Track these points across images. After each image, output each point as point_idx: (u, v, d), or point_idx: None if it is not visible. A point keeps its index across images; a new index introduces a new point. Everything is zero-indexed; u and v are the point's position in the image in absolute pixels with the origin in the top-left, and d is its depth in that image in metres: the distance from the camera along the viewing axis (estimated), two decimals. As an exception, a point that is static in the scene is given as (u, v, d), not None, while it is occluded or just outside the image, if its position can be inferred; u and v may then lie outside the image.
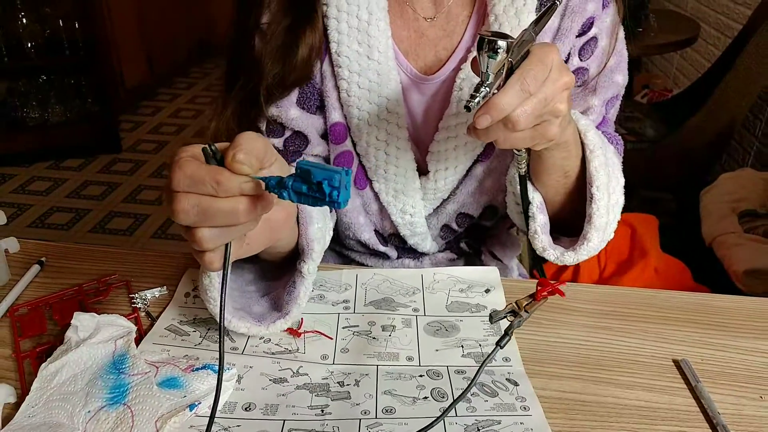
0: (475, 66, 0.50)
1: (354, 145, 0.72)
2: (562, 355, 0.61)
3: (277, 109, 0.70)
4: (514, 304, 0.52)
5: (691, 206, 1.71)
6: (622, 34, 0.71)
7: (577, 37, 0.68)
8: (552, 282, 0.53)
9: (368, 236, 0.79)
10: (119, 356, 0.52)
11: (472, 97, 0.48)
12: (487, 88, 0.49)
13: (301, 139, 0.73)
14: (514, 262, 0.92)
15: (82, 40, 2.90)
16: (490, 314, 0.51)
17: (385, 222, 0.77)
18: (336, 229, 0.79)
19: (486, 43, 0.48)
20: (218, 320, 0.44)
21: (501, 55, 0.48)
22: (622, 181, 0.68)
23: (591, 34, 0.68)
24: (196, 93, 3.98)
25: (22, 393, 0.54)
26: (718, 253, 1.43)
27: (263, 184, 0.41)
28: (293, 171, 0.41)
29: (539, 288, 0.52)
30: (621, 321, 0.66)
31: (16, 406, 0.53)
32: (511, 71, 0.49)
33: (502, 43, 0.47)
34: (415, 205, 0.74)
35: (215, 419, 0.48)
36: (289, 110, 0.70)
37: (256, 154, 0.41)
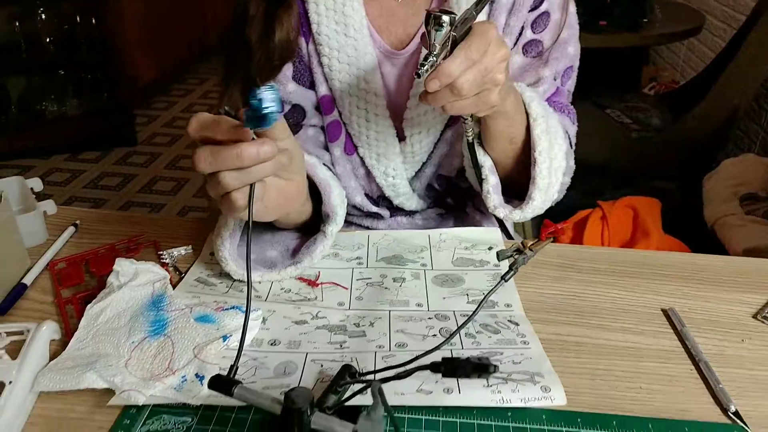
0: (425, 40, 0.57)
1: (340, 114, 0.80)
2: (559, 304, 0.66)
3: (276, 85, 0.77)
4: (520, 244, 0.57)
5: (695, 192, 1.74)
6: (573, 8, 0.77)
7: (529, 12, 0.75)
8: (554, 225, 0.58)
9: (360, 199, 0.85)
10: (158, 296, 0.58)
11: (421, 65, 0.54)
12: (434, 58, 0.55)
13: (298, 112, 0.80)
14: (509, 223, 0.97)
15: (98, 37, 2.98)
16: (497, 252, 0.57)
17: (372, 185, 0.84)
18: None
19: (432, 18, 0.55)
20: (246, 256, 0.50)
21: (445, 29, 0.54)
22: (564, 146, 0.74)
23: (542, 8, 0.75)
24: (208, 88, 4.06)
25: (66, 332, 0.60)
26: (720, 234, 1.47)
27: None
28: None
29: (543, 228, 0.57)
30: (614, 277, 0.71)
31: (61, 343, 0.58)
32: (455, 44, 0.55)
33: (446, 18, 0.54)
34: (397, 168, 0.81)
35: (245, 352, 0.54)
36: (287, 85, 0.78)
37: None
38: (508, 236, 0.84)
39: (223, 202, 0.53)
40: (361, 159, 0.82)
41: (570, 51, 0.78)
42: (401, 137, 0.80)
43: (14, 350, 0.55)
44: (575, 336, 0.61)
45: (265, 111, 0.46)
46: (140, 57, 3.53)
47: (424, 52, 0.56)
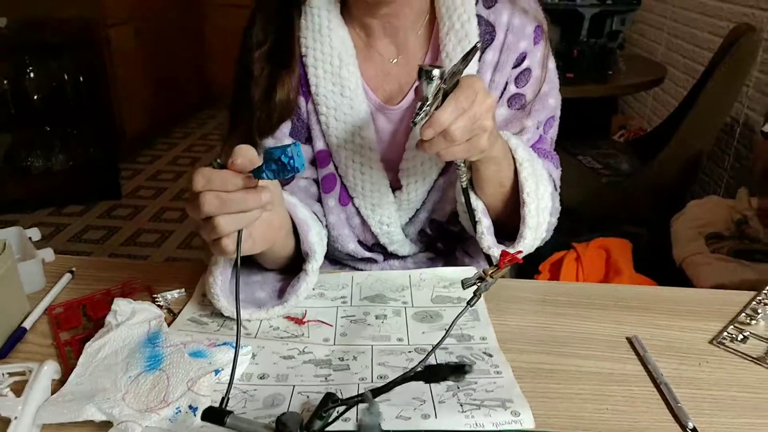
0: (418, 93, 0.62)
1: (336, 168, 0.85)
2: (530, 335, 0.70)
3: (273, 140, 0.84)
4: (482, 272, 0.62)
5: (664, 233, 1.82)
6: (552, 65, 0.85)
7: (512, 68, 0.83)
8: (511, 253, 0.63)
9: (353, 247, 0.90)
10: (153, 333, 0.62)
11: (416, 115, 0.60)
12: (428, 108, 0.61)
13: None
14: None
15: (86, 92, 3.05)
16: (462, 281, 0.61)
17: (366, 233, 0.89)
18: (328, 243, 0.91)
19: (424, 72, 0.60)
20: (235, 293, 0.55)
21: (436, 81, 0.60)
22: (549, 188, 0.80)
23: (524, 65, 0.83)
24: (193, 142, 4.13)
25: (66, 372, 0.62)
26: (688, 272, 1.54)
27: (252, 178, 0.56)
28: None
29: (501, 257, 0.62)
30: (581, 309, 0.76)
31: (61, 383, 0.61)
32: (445, 96, 0.61)
33: (436, 72, 0.60)
34: (391, 216, 0.86)
35: (236, 386, 0.58)
36: (284, 141, 0.84)
37: (249, 158, 0.57)
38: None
39: (215, 245, 0.59)
40: (357, 209, 0.87)
41: (551, 102, 0.85)
42: (396, 187, 0.86)
43: (17, 389, 0.58)
44: (547, 364, 0.66)
45: (297, 165, 0.54)
46: (128, 112, 3.61)
47: (420, 104, 0.62)
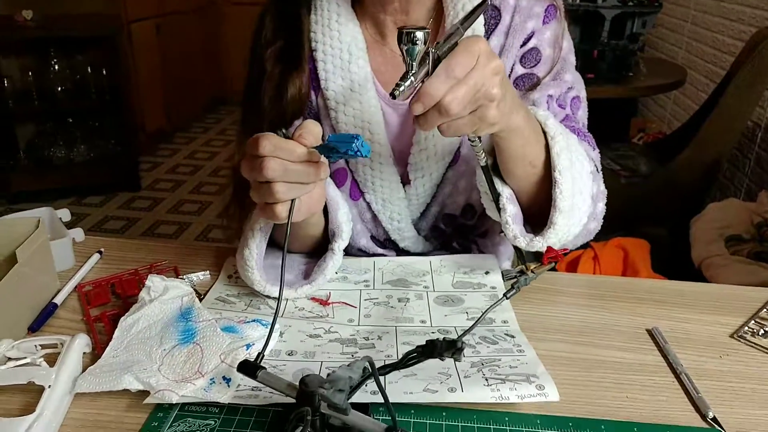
0: (404, 59, 0.55)
1: (347, 162, 0.86)
2: (551, 325, 0.71)
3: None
4: (523, 266, 0.62)
5: (682, 234, 1.82)
6: (566, 44, 0.82)
7: (519, 48, 0.80)
8: (555, 249, 0.63)
9: (365, 242, 0.90)
10: (186, 309, 0.64)
11: (398, 85, 0.53)
12: (412, 77, 0.53)
13: None
14: (507, 264, 1.02)
15: (108, 86, 3.10)
16: (502, 272, 0.62)
17: (378, 229, 0.89)
18: None
19: (404, 35, 0.53)
20: (278, 268, 0.58)
21: (420, 45, 0.53)
22: (589, 167, 0.72)
23: (530, 45, 0.80)
24: (211, 137, 4.17)
25: (96, 347, 0.64)
26: (706, 273, 1.53)
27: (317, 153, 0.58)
28: None
29: (545, 253, 0.63)
30: (602, 301, 0.76)
31: (92, 357, 0.63)
32: (438, 62, 0.53)
33: (419, 34, 0.52)
34: (401, 212, 0.86)
35: (265, 361, 0.59)
36: None
37: (315, 134, 0.59)
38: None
39: (267, 209, 0.61)
40: (368, 204, 0.87)
41: (566, 78, 0.80)
42: (405, 181, 0.85)
43: (50, 361, 0.60)
44: (566, 352, 0.66)
45: (365, 153, 0.56)
46: (149, 106, 3.66)
47: (403, 73, 0.55)
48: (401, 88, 0.53)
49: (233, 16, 4.59)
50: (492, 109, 0.56)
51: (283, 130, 0.59)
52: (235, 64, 4.66)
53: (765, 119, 2.29)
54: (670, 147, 2.35)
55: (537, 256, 0.76)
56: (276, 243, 0.78)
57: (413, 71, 0.54)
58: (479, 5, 0.61)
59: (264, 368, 0.50)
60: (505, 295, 0.61)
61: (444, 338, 0.47)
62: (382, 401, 0.48)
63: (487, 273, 0.78)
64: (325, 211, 0.75)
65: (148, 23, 3.59)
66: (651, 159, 2.31)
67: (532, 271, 0.62)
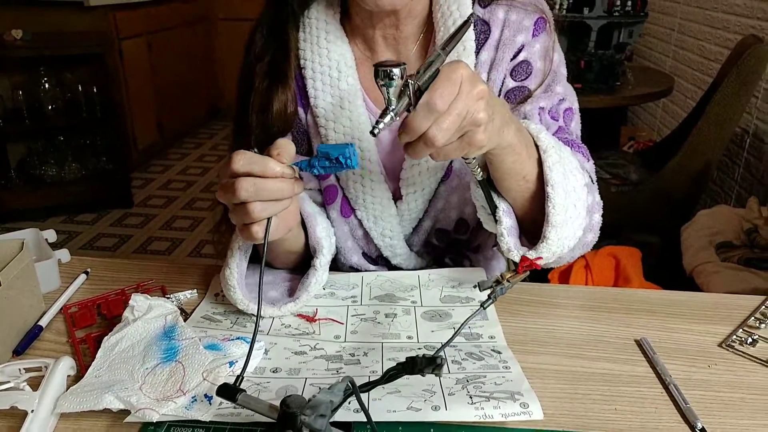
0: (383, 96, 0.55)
1: (337, 179, 0.85)
2: (540, 337, 0.71)
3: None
4: (499, 276, 0.62)
5: (673, 242, 1.82)
6: (557, 57, 0.82)
7: (510, 62, 0.80)
8: (530, 258, 0.63)
9: (357, 259, 0.89)
10: (169, 327, 0.63)
11: (377, 122, 0.53)
12: (392, 113, 0.53)
13: None
14: None
15: (100, 104, 3.10)
16: (478, 283, 0.62)
17: (370, 246, 0.88)
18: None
19: (381, 72, 0.52)
20: (258, 286, 0.58)
21: (396, 80, 0.52)
22: (583, 180, 0.71)
23: (520, 57, 0.80)
24: (204, 152, 4.17)
25: (81, 369, 0.64)
26: (698, 280, 1.53)
27: (297, 169, 0.58)
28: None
29: (520, 262, 0.63)
30: (591, 312, 0.76)
31: (76, 379, 0.62)
32: (420, 92, 0.53)
33: (396, 71, 0.52)
34: (393, 228, 0.85)
35: (249, 378, 0.59)
36: None
37: (290, 152, 0.59)
38: None
39: (244, 230, 0.61)
40: (359, 221, 0.86)
41: (557, 90, 0.80)
42: (397, 197, 0.85)
43: (34, 384, 0.60)
44: (554, 365, 0.66)
45: (353, 164, 0.57)
46: (140, 123, 3.66)
47: (383, 109, 0.54)
48: (380, 125, 0.53)
49: (224, 31, 4.62)
50: (479, 134, 0.56)
51: (255, 149, 0.59)
52: (227, 79, 4.69)
53: (753, 126, 2.31)
54: (660, 155, 2.36)
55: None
56: (260, 259, 0.77)
57: (392, 107, 0.53)
58: (460, 28, 0.60)
59: (243, 391, 0.50)
60: (482, 305, 0.61)
61: (424, 355, 0.47)
62: (365, 420, 0.47)
63: (475, 287, 0.78)
64: (306, 227, 0.75)
65: (139, 40, 3.60)
66: (641, 167, 2.32)
67: (508, 281, 0.62)
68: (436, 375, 0.48)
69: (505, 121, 0.61)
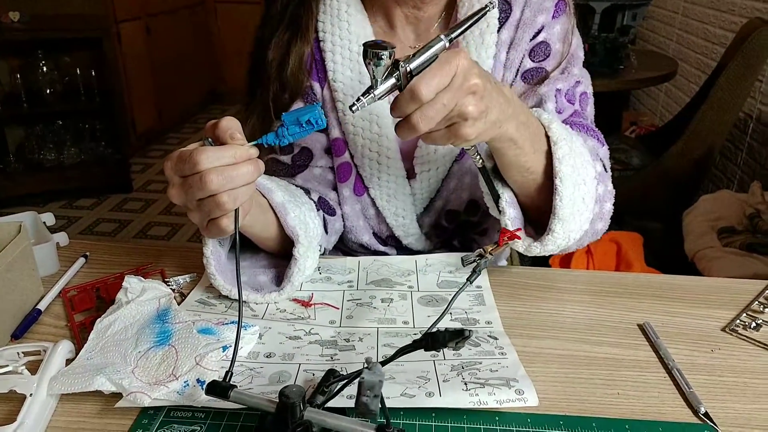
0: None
1: (352, 156, 0.84)
2: (540, 321, 0.70)
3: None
4: (481, 249, 0.62)
5: (676, 227, 1.81)
6: (575, 40, 0.82)
7: (529, 42, 0.80)
8: (510, 230, 0.63)
9: (368, 239, 0.89)
10: (163, 311, 0.63)
11: (358, 99, 0.54)
12: (374, 93, 0.54)
13: (306, 155, 0.85)
14: (504, 263, 1.01)
15: (98, 88, 3.08)
16: (461, 258, 0.61)
17: (381, 225, 0.88)
18: (342, 234, 0.90)
19: (370, 53, 0.53)
20: (236, 270, 0.57)
21: (385, 61, 0.52)
22: (593, 170, 0.70)
23: (539, 38, 0.80)
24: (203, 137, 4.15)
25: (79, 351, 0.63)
26: (700, 266, 1.53)
27: (261, 145, 0.57)
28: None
29: (501, 234, 0.62)
30: (593, 296, 0.76)
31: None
32: (411, 76, 0.54)
33: (385, 53, 0.52)
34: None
35: (242, 362, 0.58)
36: None
37: (237, 128, 0.57)
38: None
39: (211, 227, 0.59)
40: (372, 199, 0.85)
41: (574, 71, 0.79)
42: (410, 176, 0.84)
43: (33, 368, 0.59)
44: (556, 349, 0.66)
45: (323, 124, 0.57)
46: (139, 107, 3.64)
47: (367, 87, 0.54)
48: (360, 103, 0.53)
49: (223, 14, 4.58)
50: (466, 127, 0.56)
51: (209, 140, 0.58)
52: (226, 62, 4.65)
53: (756, 110, 2.30)
54: (662, 139, 2.35)
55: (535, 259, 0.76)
56: (251, 243, 0.76)
57: (375, 88, 0.54)
58: (472, 15, 0.59)
59: (235, 386, 0.49)
60: (468, 279, 0.60)
61: (446, 328, 0.46)
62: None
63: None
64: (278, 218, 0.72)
65: (137, 23, 3.57)
66: (643, 152, 2.31)
67: (490, 253, 0.62)
68: (457, 348, 0.47)
69: (506, 116, 0.60)
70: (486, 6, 0.59)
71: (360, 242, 0.89)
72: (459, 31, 0.58)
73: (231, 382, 0.51)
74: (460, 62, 0.53)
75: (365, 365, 0.48)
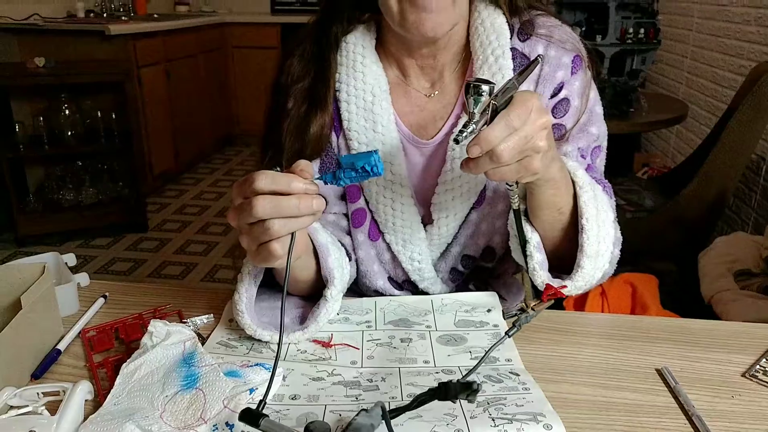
0: (466, 108, 0.59)
1: (367, 202, 0.86)
2: (557, 365, 0.70)
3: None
4: (523, 303, 0.62)
5: (691, 269, 1.80)
6: (593, 94, 0.84)
7: (549, 99, 0.82)
8: (555, 287, 0.63)
9: (382, 283, 0.89)
10: (189, 354, 0.63)
11: (461, 132, 0.57)
12: (474, 125, 0.58)
13: None
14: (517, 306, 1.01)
15: (118, 130, 3.16)
16: (503, 311, 0.61)
17: (397, 270, 0.88)
18: (357, 279, 0.91)
19: (472, 87, 0.57)
20: (280, 311, 0.59)
21: (485, 97, 0.57)
22: (612, 215, 0.76)
23: (561, 95, 0.81)
24: (218, 177, 4.22)
25: (98, 394, 0.64)
26: (717, 309, 1.51)
27: (318, 187, 0.58)
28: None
29: (545, 290, 0.62)
30: (610, 340, 0.75)
31: (94, 404, 0.62)
32: (495, 113, 0.58)
33: (485, 87, 0.57)
34: (422, 252, 0.86)
35: (268, 405, 0.58)
36: (314, 176, 0.85)
37: (309, 170, 0.59)
38: None
39: (260, 251, 0.60)
40: (387, 244, 0.86)
41: (592, 131, 0.83)
42: (427, 222, 0.85)
43: (52, 409, 0.60)
44: (574, 394, 0.65)
45: (380, 171, 0.58)
46: (157, 149, 3.71)
47: (466, 121, 0.59)
48: (464, 134, 0.57)
49: (240, 58, 4.70)
50: (536, 161, 0.60)
51: (278, 168, 0.59)
52: (241, 105, 4.76)
53: (769, 152, 2.30)
54: (675, 181, 2.35)
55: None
56: (276, 284, 0.77)
57: (476, 119, 0.58)
58: (533, 61, 0.64)
59: (266, 416, 0.50)
60: (507, 333, 0.61)
61: (458, 380, 0.47)
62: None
63: (489, 311, 0.77)
64: (318, 257, 0.74)
65: (158, 68, 3.68)
66: (656, 193, 2.31)
67: (533, 309, 0.62)
68: (470, 401, 0.48)
69: (555, 156, 0.66)
70: (538, 57, 0.66)
71: (375, 287, 0.89)
72: (524, 75, 0.63)
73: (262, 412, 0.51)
74: (534, 101, 0.59)
75: (363, 409, 0.48)
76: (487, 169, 0.59)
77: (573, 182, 0.72)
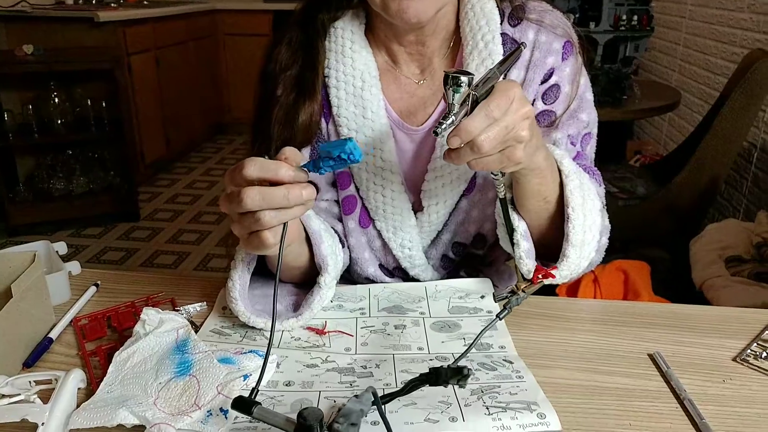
0: (446, 100, 0.58)
1: (357, 189, 0.85)
2: (551, 351, 0.70)
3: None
4: (514, 286, 0.62)
5: (683, 255, 1.81)
6: (583, 80, 0.83)
7: (540, 84, 0.81)
8: (544, 268, 0.63)
9: (373, 270, 0.89)
10: (182, 341, 0.63)
11: (440, 124, 0.56)
12: (453, 117, 0.56)
13: None
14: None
15: (108, 118, 3.13)
16: (493, 294, 0.62)
17: (388, 257, 0.88)
18: (348, 266, 0.91)
19: (450, 78, 0.56)
20: (272, 298, 0.57)
21: (464, 88, 0.56)
22: (598, 204, 0.75)
23: (552, 81, 0.81)
24: (210, 166, 4.19)
25: (91, 382, 0.63)
26: (708, 295, 1.52)
27: (308, 175, 0.57)
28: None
29: (535, 272, 0.63)
30: (602, 326, 0.76)
31: (87, 392, 0.62)
32: (476, 103, 0.57)
33: (464, 78, 0.55)
34: (413, 239, 0.85)
35: (262, 391, 0.58)
36: (305, 161, 0.85)
37: (297, 160, 0.58)
38: None
39: (252, 239, 0.60)
40: (378, 231, 0.86)
41: (582, 117, 0.82)
42: (417, 209, 0.85)
43: (44, 397, 0.59)
44: (567, 379, 0.65)
45: (357, 158, 0.57)
46: (148, 137, 3.68)
47: (446, 112, 0.57)
48: (443, 126, 0.56)
49: (231, 46, 4.66)
50: (519, 150, 0.60)
51: (267, 157, 0.59)
52: (232, 93, 4.72)
53: (760, 140, 2.31)
54: (667, 168, 2.36)
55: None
56: (269, 271, 0.77)
57: (455, 111, 0.57)
58: (515, 50, 0.63)
59: (259, 403, 0.50)
60: (497, 316, 0.61)
61: (449, 365, 0.47)
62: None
63: (482, 297, 0.78)
64: (312, 244, 0.74)
65: (147, 55, 3.64)
66: (648, 181, 2.32)
67: (523, 291, 0.62)
68: (461, 386, 0.48)
69: (539, 145, 0.65)
70: (522, 43, 0.65)
71: (366, 275, 0.89)
72: (507, 64, 0.63)
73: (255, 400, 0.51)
74: (515, 91, 0.58)
75: (354, 395, 0.48)
76: (469, 160, 0.59)
77: (559, 171, 0.71)
